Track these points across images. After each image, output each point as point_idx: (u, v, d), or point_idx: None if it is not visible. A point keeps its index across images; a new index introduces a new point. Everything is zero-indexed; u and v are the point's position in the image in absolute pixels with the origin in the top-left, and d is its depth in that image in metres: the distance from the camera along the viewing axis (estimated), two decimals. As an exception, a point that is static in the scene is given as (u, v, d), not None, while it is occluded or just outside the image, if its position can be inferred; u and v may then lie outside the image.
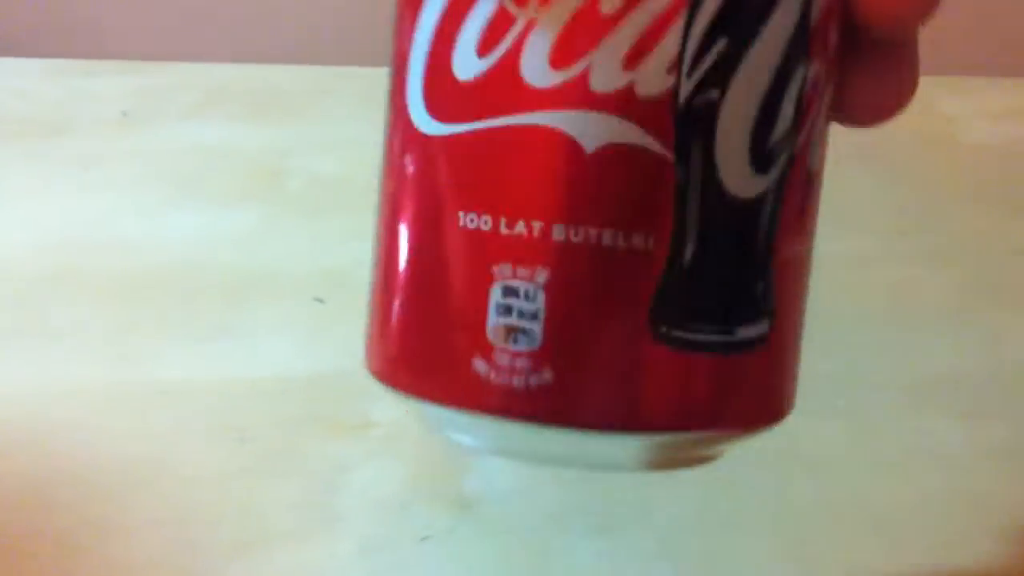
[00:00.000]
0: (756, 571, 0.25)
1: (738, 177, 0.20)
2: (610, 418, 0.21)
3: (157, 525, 0.31)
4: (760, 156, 0.20)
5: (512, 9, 0.19)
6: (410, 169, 0.22)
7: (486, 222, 0.20)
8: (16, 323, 0.42)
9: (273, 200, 0.56)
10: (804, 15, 0.20)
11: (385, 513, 0.32)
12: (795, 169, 0.21)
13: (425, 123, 0.21)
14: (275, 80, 0.75)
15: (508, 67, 0.20)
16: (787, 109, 0.21)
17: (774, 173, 0.21)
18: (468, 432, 0.22)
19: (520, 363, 0.20)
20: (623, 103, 0.19)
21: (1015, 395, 0.39)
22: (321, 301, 0.45)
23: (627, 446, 0.21)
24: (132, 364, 0.39)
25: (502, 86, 0.20)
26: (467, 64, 0.20)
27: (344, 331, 0.44)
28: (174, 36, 0.83)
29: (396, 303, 0.22)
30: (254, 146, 0.63)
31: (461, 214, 0.21)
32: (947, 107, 0.53)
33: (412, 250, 0.22)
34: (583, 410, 0.20)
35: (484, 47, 0.20)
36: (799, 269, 0.23)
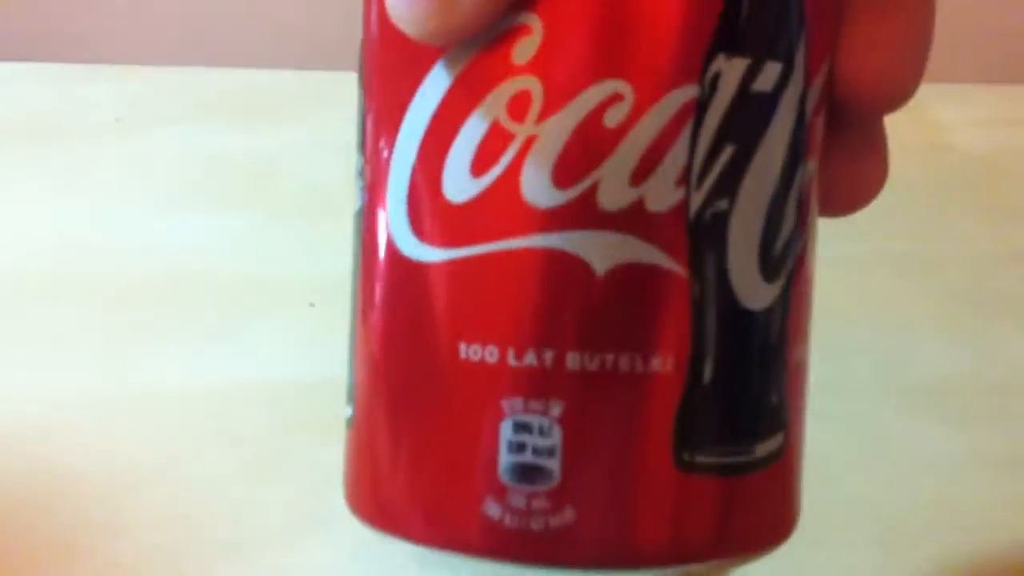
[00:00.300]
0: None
1: (750, 288, 0.19)
2: (637, 555, 0.19)
3: (151, 528, 0.31)
4: (769, 264, 0.20)
5: (508, 126, 0.18)
6: (395, 297, 0.20)
7: (492, 353, 0.19)
8: (10, 328, 0.42)
9: (267, 205, 0.56)
10: (801, 111, 0.20)
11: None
12: (800, 273, 0.20)
13: (412, 247, 0.19)
14: (269, 85, 0.75)
15: (507, 187, 0.18)
16: (791, 211, 0.20)
17: (782, 280, 0.20)
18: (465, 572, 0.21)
19: (537, 503, 0.19)
20: (634, 220, 0.18)
21: (1006, 401, 0.39)
22: (312, 305, 0.45)
23: None
24: (126, 369, 0.39)
25: (501, 208, 0.18)
26: (460, 185, 0.18)
27: (338, 336, 0.44)
28: (168, 42, 0.83)
29: (391, 442, 0.21)
30: (248, 151, 0.63)
31: (463, 345, 0.19)
32: (938, 114, 0.53)
33: (406, 386, 0.20)
34: (610, 549, 0.19)
35: (479, 166, 0.18)
36: (804, 374, 0.22)
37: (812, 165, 0.20)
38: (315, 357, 0.41)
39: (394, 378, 0.20)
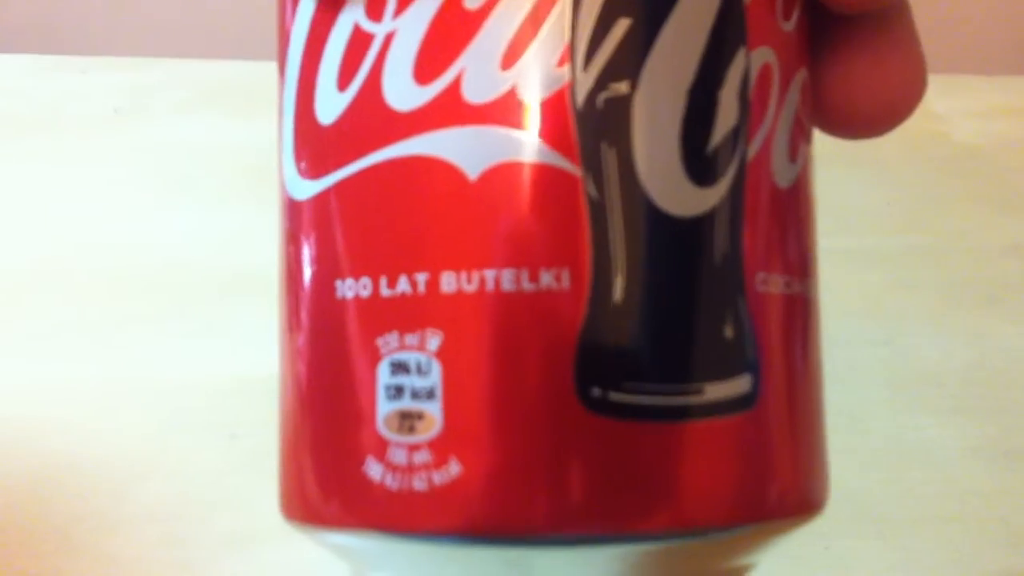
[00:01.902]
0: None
1: (671, 190, 0.16)
2: (541, 521, 0.15)
3: (150, 521, 0.31)
4: (699, 163, 0.16)
5: (368, 27, 0.16)
6: (284, 246, 0.18)
7: (364, 287, 0.16)
8: (5, 320, 0.42)
9: (265, 197, 0.56)
10: None
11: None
12: (755, 179, 0.17)
13: (294, 185, 0.17)
14: (268, 77, 0.75)
15: (370, 95, 0.16)
16: (730, 105, 0.16)
17: (723, 184, 0.16)
18: (386, 564, 0.17)
19: (420, 458, 0.16)
20: (506, 112, 0.15)
21: (1002, 392, 0.39)
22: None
23: (578, 561, 0.16)
24: (123, 361, 0.40)
25: (365, 120, 0.16)
26: (328, 103, 0.16)
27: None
28: (166, 33, 0.83)
29: (295, 415, 0.18)
30: (247, 143, 0.63)
31: (338, 283, 0.16)
32: (937, 105, 0.53)
33: (296, 346, 0.18)
34: (503, 511, 0.15)
35: (343, 79, 0.16)
36: (796, 308, 0.18)
37: (767, 55, 0.17)
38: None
39: (287, 334, 0.18)
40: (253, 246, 0.51)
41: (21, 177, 0.58)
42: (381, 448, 0.16)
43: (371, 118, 0.16)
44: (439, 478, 0.16)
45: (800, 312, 0.18)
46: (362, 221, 0.16)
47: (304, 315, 0.17)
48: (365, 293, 0.16)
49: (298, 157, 0.17)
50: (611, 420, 0.15)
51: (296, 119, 0.17)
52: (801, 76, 0.18)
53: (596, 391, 0.15)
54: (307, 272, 0.17)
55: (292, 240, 0.18)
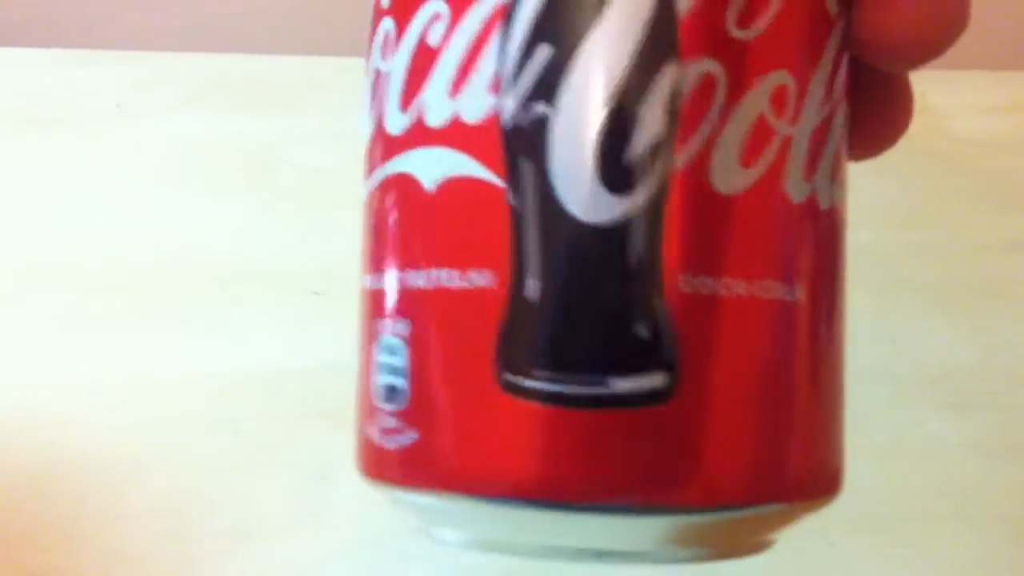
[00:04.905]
0: (742, 561, 0.25)
1: (585, 199, 0.18)
2: (475, 482, 0.18)
3: (153, 516, 0.31)
4: (616, 174, 0.18)
5: (378, 65, 0.19)
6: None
7: (376, 280, 0.20)
8: (9, 315, 0.42)
9: (268, 191, 0.56)
10: (660, 7, 0.18)
11: (380, 505, 0.32)
12: (685, 186, 0.18)
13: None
14: (270, 71, 0.75)
15: (379, 120, 0.20)
16: (653, 118, 0.18)
17: (642, 193, 0.18)
18: (414, 512, 0.21)
19: (394, 423, 0.19)
20: (453, 134, 0.18)
21: (1005, 388, 0.39)
22: (318, 294, 0.45)
23: (521, 519, 0.19)
24: (127, 356, 0.40)
25: (377, 140, 0.20)
26: (362, 128, 0.20)
27: (338, 324, 0.44)
28: (169, 27, 0.83)
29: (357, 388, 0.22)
30: (249, 137, 0.63)
31: (363, 276, 0.20)
32: (938, 101, 0.53)
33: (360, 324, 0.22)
34: (450, 473, 0.19)
35: (370, 110, 0.20)
36: (750, 308, 0.18)
37: (703, 66, 0.18)
38: (316, 345, 0.41)
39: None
40: (255, 240, 0.51)
41: (23, 171, 0.58)
42: (374, 414, 0.20)
43: (379, 139, 0.20)
44: (403, 441, 0.19)
45: (760, 311, 0.18)
46: (373, 223, 0.20)
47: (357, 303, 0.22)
48: (375, 286, 0.20)
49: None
50: (523, 402, 0.18)
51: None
52: (771, 81, 0.19)
53: (509, 376, 0.18)
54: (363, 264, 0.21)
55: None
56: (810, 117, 0.19)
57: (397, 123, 0.19)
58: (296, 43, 0.84)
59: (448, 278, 0.19)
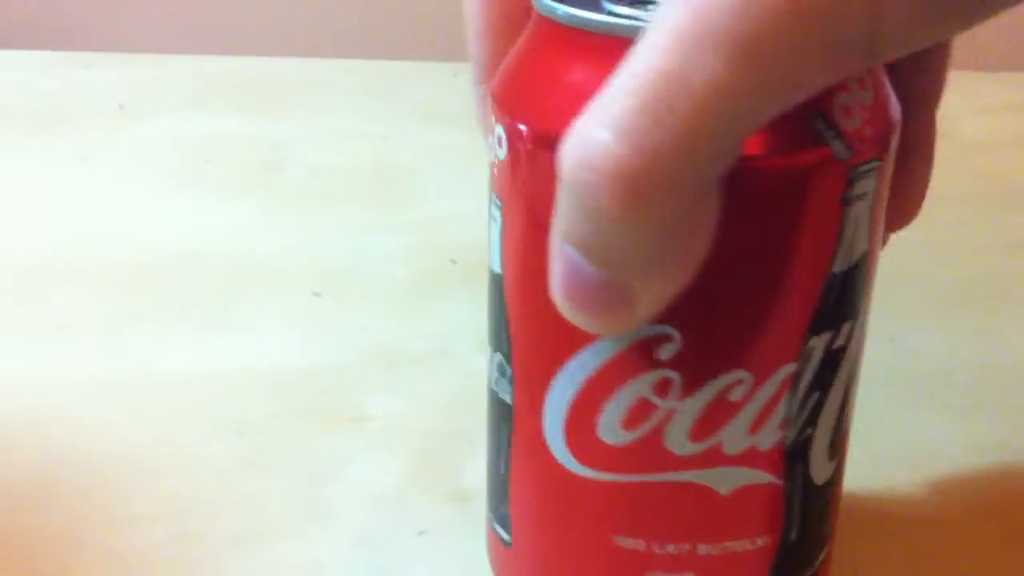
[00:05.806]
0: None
1: (821, 470, 0.25)
2: None
3: (155, 517, 0.31)
4: (834, 447, 0.25)
5: (655, 400, 0.23)
6: (553, 491, 0.25)
7: (639, 544, 0.25)
8: (14, 314, 0.42)
9: (270, 191, 0.57)
10: (859, 341, 0.25)
11: (382, 506, 0.32)
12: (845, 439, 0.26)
13: (573, 466, 0.25)
14: (272, 72, 0.75)
15: (654, 439, 0.23)
16: (851, 401, 0.25)
17: (841, 454, 0.26)
18: None
19: None
20: (749, 458, 0.24)
21: (1008, 390, 0.39)
22: (318, 295, 0.45)
23: None
24: (130, 356, 0.40)
25: (649, 453, 0.24)
26: (613, 433, 0.24)
27: (341, 324, 0.44)
28: (171, 29, 0.83)
29: None
30: (251, 138, 0.63)
31: (613, 536, 0.25)
32: (942, 102, 0.53)
33: (556, 553, 0.26)
34: None
35: (629, 423, 0.23)
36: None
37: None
38: (319, 345, 0.41)
39: (546, 543, 0.26)
40: (257, 240, 0.51)
41: (27, 171, 0.59)
42: None
43: (654, 453, 0.24)
44: None
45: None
46: (642, 506, 0.25)
47: (573, 545, 0.26)
48: (639, 548, 0.25)
49: (574, 449, 0.25)
50: None
51: (569, 426, 0.24)
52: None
53: None
54: (580, 518, 0.25)
55: (564, 494, 0.25)
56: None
57: (686, 448, 0.23)
58: (298, 45, 0.84)
59: (739, 546, 0.25)
